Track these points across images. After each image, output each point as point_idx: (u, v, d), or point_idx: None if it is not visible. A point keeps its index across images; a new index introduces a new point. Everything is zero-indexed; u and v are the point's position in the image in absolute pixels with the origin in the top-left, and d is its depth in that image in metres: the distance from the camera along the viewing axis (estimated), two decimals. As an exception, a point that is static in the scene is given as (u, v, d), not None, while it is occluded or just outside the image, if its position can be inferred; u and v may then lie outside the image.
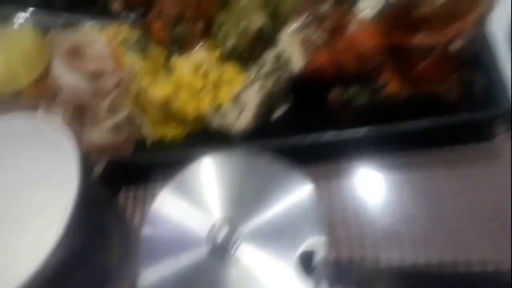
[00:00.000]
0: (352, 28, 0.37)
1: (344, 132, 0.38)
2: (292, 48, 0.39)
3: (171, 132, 0.44)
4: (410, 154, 0.41)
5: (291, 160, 0.40)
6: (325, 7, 0.41)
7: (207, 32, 0.50)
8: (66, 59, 0.39)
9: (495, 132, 0.41)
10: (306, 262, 0.26)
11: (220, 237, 0.27)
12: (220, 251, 0.27)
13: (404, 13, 0.36)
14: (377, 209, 0.39)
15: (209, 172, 0.31)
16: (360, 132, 0.38)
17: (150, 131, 0.44)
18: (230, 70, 0.46)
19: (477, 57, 0.39)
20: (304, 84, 0.41)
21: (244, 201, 0.29)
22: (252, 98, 0.39)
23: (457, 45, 0.35)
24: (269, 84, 0.40)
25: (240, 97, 0.40)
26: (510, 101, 0.37)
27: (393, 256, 0.37)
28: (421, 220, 0.38)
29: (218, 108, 0.41)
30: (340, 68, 0.37)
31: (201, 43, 0.49)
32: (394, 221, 0.38)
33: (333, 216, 0.39)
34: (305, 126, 0.41)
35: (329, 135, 0.39)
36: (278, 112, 0.43)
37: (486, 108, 0.38)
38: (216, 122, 0.41)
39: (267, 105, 0.41)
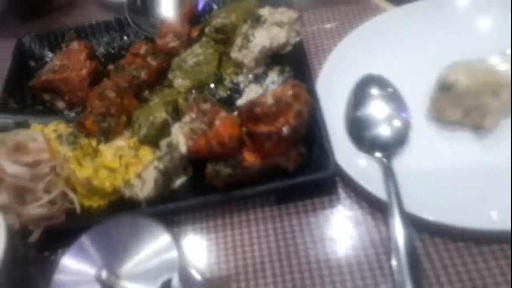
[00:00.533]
0: (218, 122, 0.53)
1: (213, 196, 0.53)
2: (179, 136, 0.54)
3: (96, 202, 0.57)
4: (269, 209, 0.55)
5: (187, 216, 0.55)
6: (206, 105, 0.57)
7: (129, 124, 0.65)
8: (10, 154, 0.53)
9: (334, 187, 0.55)
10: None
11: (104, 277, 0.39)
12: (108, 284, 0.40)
13: (250, 111, 0.51)
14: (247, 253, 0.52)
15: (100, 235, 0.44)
16: (227, 195, 0.53)
17: (79, 203, 0.57)
18: (143, 153, 0.61)
19: (313, 134, 0.55)
20: (196, 161, 0.56)
21: (124, 253, 0.42)
22: (150, 174, 0.53)
23: (285, 131, 0.50)
24: (165, 163, 0.54)
25: (142, 174, 0.54)
26: (333, 168, 0.52)
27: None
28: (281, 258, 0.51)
29: (127, 183, 0.55)
30: (211, 150, 0.52)
31: (124, 132, 0.65)
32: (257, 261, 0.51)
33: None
34: (197, 191, 0.56)
35: (210, 198, 0.54)
36: (179, 182, 0.57)
37: (317, 172, 0.53)
38: (127, 193, 0.55)
39: (167, 177, 0.55)
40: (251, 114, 0.51)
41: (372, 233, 0.51)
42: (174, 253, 0.42)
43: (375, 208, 0.52)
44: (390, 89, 0.57)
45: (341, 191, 0.55)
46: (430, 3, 0.65)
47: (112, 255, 0.43)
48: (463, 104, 0.53)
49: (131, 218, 0.45)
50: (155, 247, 0.43)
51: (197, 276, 0.49)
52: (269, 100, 0.50)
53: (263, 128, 0.51)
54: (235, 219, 0.56)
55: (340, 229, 0.52)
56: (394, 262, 0.46)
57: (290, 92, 0.50)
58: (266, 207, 0.56)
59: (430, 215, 0.47)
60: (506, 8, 0.62)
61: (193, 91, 0.66)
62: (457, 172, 0.51)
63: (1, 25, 0.91)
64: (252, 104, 0.51)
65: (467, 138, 0.54)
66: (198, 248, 0.54)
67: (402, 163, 0.53)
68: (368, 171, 0.53)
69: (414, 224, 0.50)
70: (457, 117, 0.53)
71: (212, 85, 0.67)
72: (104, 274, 0.40)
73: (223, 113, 0.54)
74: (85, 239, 0.44)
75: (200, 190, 0.55)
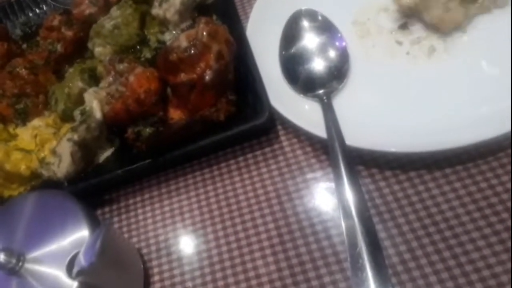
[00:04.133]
0: (132, 78, 0.47)
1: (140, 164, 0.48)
2: (92, 102, 0.48)
3: (16, 191, 0.51)
4: (208, 170, 0.50)
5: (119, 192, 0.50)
6: (123, 65, 0.51)
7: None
8: None
9: (275, 134, 0.50)
10: (71, 266, 0.34)
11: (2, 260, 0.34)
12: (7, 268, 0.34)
13: (165, 60, 0.46)
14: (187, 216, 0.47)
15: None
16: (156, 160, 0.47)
17: (-4, 194, 0.50)
18: (65, 130, 0.54)
19: (245, 81, 0.50)
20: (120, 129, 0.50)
21: (30, 234, 0.36)
22: (65, 148, 0.47)
23: (208, 76, 0.45)
24: (80, 133, 0.48)
25: (57, 149, 0.48)
26: (267, 114, 0.46)
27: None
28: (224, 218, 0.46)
29: (42, 161, 0.49)
30: (129, 110, 0.46)
31: (45, 113, 0.58)
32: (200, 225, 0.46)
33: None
34: (126, 163, 0.50)
35: (136, 167, 0.48)
36: (105, 155, 0.51)
37: (252, 120, 0.47)
38: (44, 173, 0.48)
39: (87, 150, 0.49)
40: (167, 63, 0.46)
41: (318, 178, 0.46)
42: (85, 231, 0.36)
43: (320, 151, 0.47)
44: (321, 20, 0.52)
45: (283, 138, 0.50)
46: None
47: (15, 237, 0.37)
48: None
49: (36, 195, 0.39)
50: (64, 225, 0.37)
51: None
52: (183, 43, 0.44)
53: (183, 77, 0.45)
54: (172, 187, 0.50)
55: (284, 179, 0.47)
56: (341, 204, 0.41)
57: (205, 31, 0.44)
58: (205, 169, 0.50)
59: (371, 145, 0.42)
60: None
61: (116, 57, 0.60)
62: (399, 97, 0.47)
63: None
64: (165, 51, 0.45)
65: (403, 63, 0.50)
66: (133, 224, 0.49)
67: (342, 97, 0.48)
68: (308, 111, 0.48)
69: (362, 160, 0.45)
70: None
71: (136, 48, 0.61)
72: (1, 257, 0.34)
73: (139, 69, 0.48)
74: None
75: (129, 161, 0.50)
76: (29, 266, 0.35)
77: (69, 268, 0.34)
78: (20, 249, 0.35)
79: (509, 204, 0.39)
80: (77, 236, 0.36)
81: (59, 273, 0.35)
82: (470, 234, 0.39)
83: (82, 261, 0.33)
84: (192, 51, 0.44)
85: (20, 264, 0.35)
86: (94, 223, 0.37)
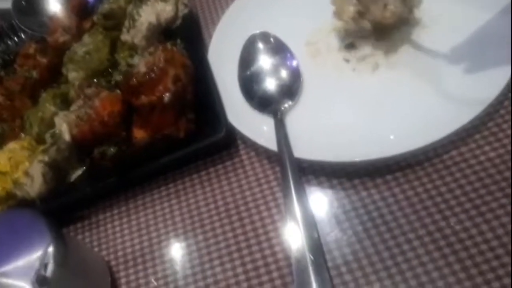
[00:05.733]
0: (97, 102, 0.50)
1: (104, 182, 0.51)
2: (62, 125, 0.51)
3: (-10, 211, 0.54)
4: (173, 185, 0.53)
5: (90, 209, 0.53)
6: (91, 90, 0.54)
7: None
8: None
9: (236, 149, 0.54)
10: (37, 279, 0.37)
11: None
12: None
13: (127, 84, 0.49)
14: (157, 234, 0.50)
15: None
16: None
17: (-27, 214, 0.53)
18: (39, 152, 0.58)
19: (205, 100, 0.54)
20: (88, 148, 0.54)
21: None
22: (37, 169, 0.50)
23: (166, 97, 0.48)
24: (50, 155, 0.51)
25: (29, 171, 0.51)
26: (224, 130, 0.50)
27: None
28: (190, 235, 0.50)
29: (16, 182, 0.52)
30: (94, 132, 0.50)
31: (21, 135, 0.61)
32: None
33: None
34: (96, 181, 0.53)
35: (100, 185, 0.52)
36: (76, 174, 0.55)
37: (209, 137, 0.51)
38: (18, 193, 0.52)
39: (58, 170, 0.52)
40: (129, 87, 0.49)
41: (273, 189, 0.49)
42: (50, 246, 0.40)
43: (275, 163, 0.51)
44: (275, 42, 0.56)
45: (242, 152, 0.53)
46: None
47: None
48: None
49: (5, 214, 0.43)
50: (32, 241, 0.40)
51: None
52: (142, 68, 0.48)
53: (143, 99, 0.49)
54: (139, 202, 0.53)
55: (243, 191, 0.50)
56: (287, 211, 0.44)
57: (161, 57, 0.48)
58: (170, 184, 0.54)
59: (315, 155, 0.46)
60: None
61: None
62: (345, 110, 0.51)
63: None
64: (127, 77, 0.49)
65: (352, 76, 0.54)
66: (103, 238, 0.52)
67: (296, 112, 0.52)
68: (264, 127, 0.52)
69: (312, 170, 0.49)
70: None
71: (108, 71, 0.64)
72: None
73: (104, 93, 0.52)
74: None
75: (99, 180, 0.53)
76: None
77: (36, 282, 0.37)
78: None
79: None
80: (43, 251, 0.39)
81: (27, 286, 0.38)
82: (406, 235, 0.42)
83: (46, 273, 0.37)
84: (151, 76, 0.48)
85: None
86: (59, 239, 0.40)
